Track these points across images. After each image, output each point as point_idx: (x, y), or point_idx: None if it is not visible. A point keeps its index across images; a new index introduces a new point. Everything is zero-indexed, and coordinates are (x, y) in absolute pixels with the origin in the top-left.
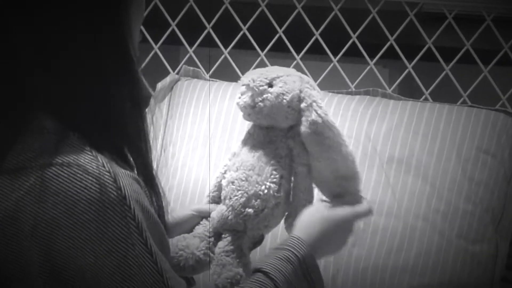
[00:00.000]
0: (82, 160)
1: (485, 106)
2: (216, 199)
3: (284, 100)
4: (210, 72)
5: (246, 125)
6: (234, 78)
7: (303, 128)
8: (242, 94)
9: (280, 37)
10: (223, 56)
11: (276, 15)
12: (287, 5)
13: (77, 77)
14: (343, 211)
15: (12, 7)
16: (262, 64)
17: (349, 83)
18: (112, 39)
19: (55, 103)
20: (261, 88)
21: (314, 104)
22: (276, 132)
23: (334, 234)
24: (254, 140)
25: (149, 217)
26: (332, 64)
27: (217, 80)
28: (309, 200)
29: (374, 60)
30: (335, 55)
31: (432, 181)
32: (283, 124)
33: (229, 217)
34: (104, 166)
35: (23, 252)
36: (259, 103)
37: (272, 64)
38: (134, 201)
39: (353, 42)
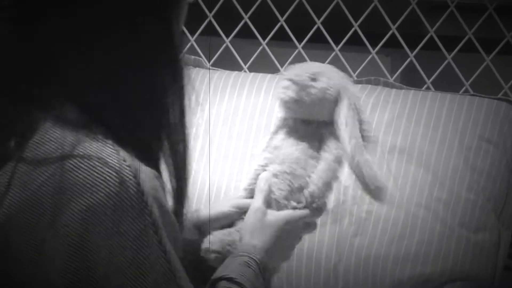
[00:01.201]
0: (103, 153)
1: (488, 95)
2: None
3: (328, 95)
4: (211, 61)
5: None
6: (236, 67)
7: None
8: (285, 89)
9: (281, 26)
10: (224, 45)
11: (277, 3)
12: None
13: (108, 64)
14: (285, 214)
15: None
16: (264, 54)
17: (351, 72)
18: (154, 25)
19: (80, 90)
20: (306, 82)
21: (354, 97)
22: (317, 125)
23: (277, 237)
24: (296, 134)
25: (165, 215)
26: (334, 53)
27: (219, 69)
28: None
29: (376, 49)
30: (337, 44)
31: (434, 170)
32: (325, 118)
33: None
34: (125, 160)
35: (41, 241)
36: (304, 97)
37: (274, 53)
38: (152, 197)
39: (355, 31)
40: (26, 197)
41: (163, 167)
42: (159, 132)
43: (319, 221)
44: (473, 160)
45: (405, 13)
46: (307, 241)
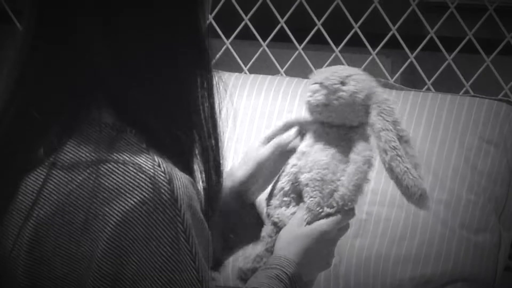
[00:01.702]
0: (138, 159)
1: (488, 96)
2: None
3: (357, 98)
4: (212, 62)
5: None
6: (236, 68)
7: (376, 124)
8: (314, 93)
9: (282, 27)
10: (224, 47)
11: (277, 5)
12: None
13: (146, 67)
14: (319, 225)
15: None
16: (264, 55)
17: None
18: (187, 30)
19: (118, 95)
20: (335, 86)
21: (384, 102)
22: (346, 130)
23: (313, 250)
24: (324, 139)
25: (198, 223)
26: (334, 54)
27: (219, 71)
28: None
29: (377, 50)
30: (337, 45)
31: (435, 171)
32: (354, 122)
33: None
34: (159, 166)
35: (76, 244)
36: (334, 101)
37: (274, 55)
38: (186, 205)
39: (355, 32)
40: (59, 201)
41: (196, 169)
42: (192, 134)
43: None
44: (474, 160)
45: (405, 14)
46: None
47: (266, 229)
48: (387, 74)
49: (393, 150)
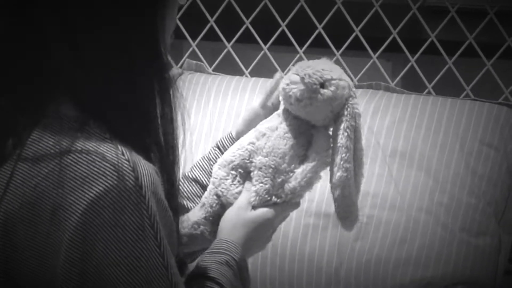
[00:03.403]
0: (101, 148)
1: (488, 100)
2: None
3: (331, 105)
4: (213, 66)
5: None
6: (237, 72)
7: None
8: (292, 84)
9: (283, 30)
10: (225, 50)
11: (278, 8)
12: None
13: (102, 62)
14: (265, 213)
15: None
16: (265, 58)
17: (352, 77)
18: (141, 22)
19: (78, 88)
20: (314, 86)
21: (354, 118)
22: (310, 125)
23: (257, 236)
24: (287, 127)
25: (163, 210)
26: (335, 58)
27: (220, 74)
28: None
29: (377, 53)
30: (338, 48)
31: (435, 174)
32: (318, 123)
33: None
34: (123, 155)
35: (45, 235)
36: (306, 100)
37: (275, 58)
38: (150, 192)
39: (356, 36)
40: (26, 194)
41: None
42: (149, 125)
43: (321, 220)
44: (474, 164)
45: (406, 18)
46: (309, 245)
47: (208, 197)
48: (388, 78)
49: (344, 171)
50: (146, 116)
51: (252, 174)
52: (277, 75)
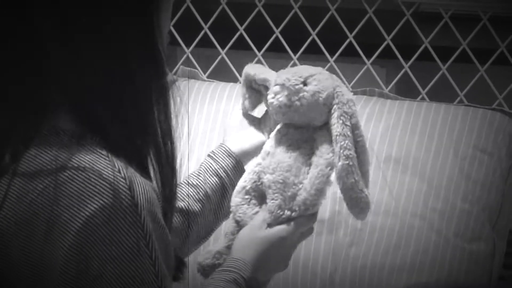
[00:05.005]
0: (98, 165)
1: (482, 105)
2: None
3: (320, 98)
4: (208, 72)
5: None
6: (231, 78)
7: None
8: (276, 94)
9: (277, 37)
10: (219, 57)
11: (273, 15)
12: (283, 5)
13: (99, 64)
14: (279, 231)
15: None
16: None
17: (346, 83)
18: (140, 32)
19: (75, 103)
20: (296, 87)
21: (346, 104)
22: (310, 131)
23: (272, 254)
24: (289, 140)
25: (159, 228)
26: (329, 64)
27: (214, 80)
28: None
29: (371, 60)
30: (332, 55)
31: (429, 180)
32: (318, 122)
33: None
34: (120, 172)
35: (40, 253)
36: (296, 102)
37: (269, 65)
38: (146, 210)
39: (350, 42)
40: (21, 210)
41: (152, 173)
42: (147, 138)
43: (315, 225)
44: (468, 170)
45: (400, 24)
46: (303, 251)
47: (229, 226)
48: (381, 84)
49: (345, 159)
50: (144, 122)
51: (265, 194)
52: (245, 68)
